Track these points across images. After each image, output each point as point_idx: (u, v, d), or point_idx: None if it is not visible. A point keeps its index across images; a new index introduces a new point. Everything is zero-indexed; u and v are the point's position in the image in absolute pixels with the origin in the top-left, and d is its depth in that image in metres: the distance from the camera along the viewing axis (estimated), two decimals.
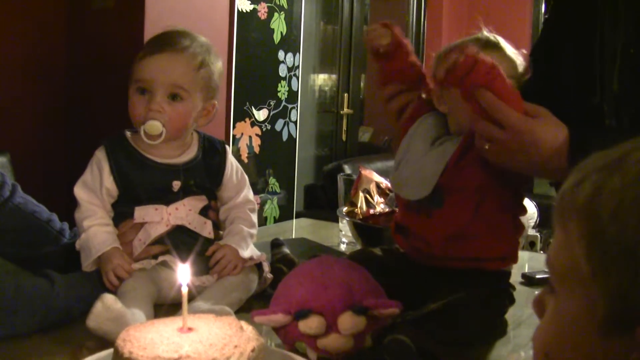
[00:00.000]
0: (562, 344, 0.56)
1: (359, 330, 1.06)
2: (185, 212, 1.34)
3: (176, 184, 1.34)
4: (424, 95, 1.34)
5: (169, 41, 1.34)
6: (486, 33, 1.29)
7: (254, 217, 1.42)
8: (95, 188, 1.32)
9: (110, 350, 0.92)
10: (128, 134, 1.37)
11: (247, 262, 1.35)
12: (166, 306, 1.27)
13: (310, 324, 1.05)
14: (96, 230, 1.30)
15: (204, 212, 1.37)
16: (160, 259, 1.31)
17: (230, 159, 1.43)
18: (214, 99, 1.39)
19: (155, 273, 1.30)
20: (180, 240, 1.33)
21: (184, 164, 1.36)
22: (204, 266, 1.33)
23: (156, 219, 1.32)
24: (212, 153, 1.40)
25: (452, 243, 1.23)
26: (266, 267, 1.40)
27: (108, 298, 1.10)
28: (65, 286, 1.21)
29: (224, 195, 1.42)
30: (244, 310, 1.28)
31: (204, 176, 1.38)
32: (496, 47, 1.26)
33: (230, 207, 1.41)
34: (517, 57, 1.28)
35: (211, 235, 1.37)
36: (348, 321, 1.05)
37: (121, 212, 1.34)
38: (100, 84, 2.21)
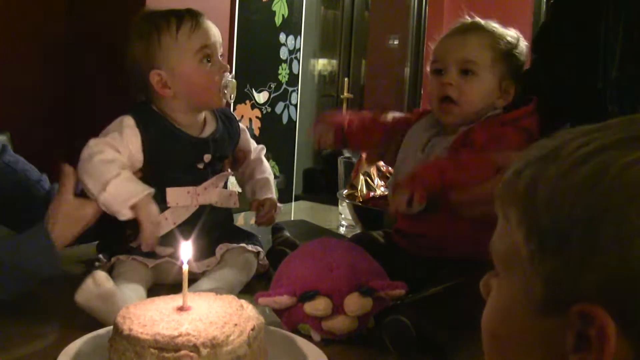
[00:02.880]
0: (505, 324, 0.58)
1: (366, 312, 1.07)
2: (212, 191, 1.33)
3: (207, 157, 1.32)
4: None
5: None
6: (467, 17, 1.26)
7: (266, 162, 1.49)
8: (117, 146, 1.23)
9: (109, 328, 0.92)
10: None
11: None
12: (167, 286, 1.27)
13: (317, 306, 1.05)
14: (126, 176, 1.21)
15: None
16: (165, 258, 1.30)
17: (240, 123, 1.45)
18: None
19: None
20: (205, 216, 1.33)
21: (211, 137, 1.34)
22: (208, 249, 1.33)
23: (188, 202, 1.31)
24: (229, 121, 1.40)
25: (451, 242, 1.23)
26: (261, 255, 1.39)
27: (100, 275, 1.07)
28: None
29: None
30: (244, 291, 1.27)
31: (227, 146, 1.38)
32: (476, 29, 1.23)
33: (249, 163, 1.46)
34: (503, 32, 1.24)
35: (236, 205, 1.38)
36: (355, 302, 1.06)
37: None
38: (100, 62, 2.20)
